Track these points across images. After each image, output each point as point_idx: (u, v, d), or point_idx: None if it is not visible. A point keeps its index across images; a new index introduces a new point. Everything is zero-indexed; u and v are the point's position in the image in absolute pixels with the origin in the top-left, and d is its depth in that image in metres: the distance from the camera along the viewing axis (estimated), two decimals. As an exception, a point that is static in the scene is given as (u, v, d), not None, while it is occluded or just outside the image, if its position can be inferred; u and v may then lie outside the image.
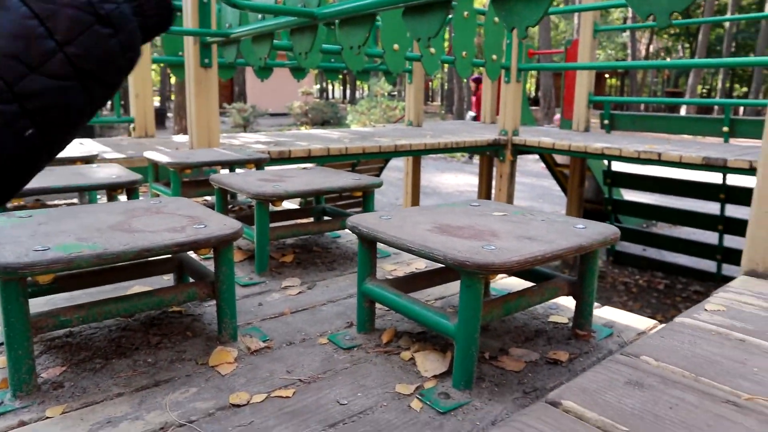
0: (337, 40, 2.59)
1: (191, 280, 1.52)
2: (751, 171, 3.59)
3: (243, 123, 16.98)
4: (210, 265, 1.39)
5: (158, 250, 1.15)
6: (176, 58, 4.90)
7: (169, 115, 22.99)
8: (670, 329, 1.18)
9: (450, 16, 2.68)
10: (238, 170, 2.84)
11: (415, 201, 6.44)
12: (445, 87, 33.33)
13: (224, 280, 1.32)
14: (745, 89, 29.76)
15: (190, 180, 2.68)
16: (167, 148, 3.35)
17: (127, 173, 2.12)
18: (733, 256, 5.75)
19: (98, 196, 2.57)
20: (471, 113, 14.04)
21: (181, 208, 1.47)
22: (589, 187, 7.12)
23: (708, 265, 6.21)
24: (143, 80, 4.83)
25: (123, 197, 2.09)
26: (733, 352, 1.07)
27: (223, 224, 1.30)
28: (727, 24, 24.78)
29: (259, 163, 2.66)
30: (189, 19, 3.49)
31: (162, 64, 7.60)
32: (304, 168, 2.38)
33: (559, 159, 7.23)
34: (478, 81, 12.72)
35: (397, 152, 4.13)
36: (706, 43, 24.79)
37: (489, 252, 1.10)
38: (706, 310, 1.29)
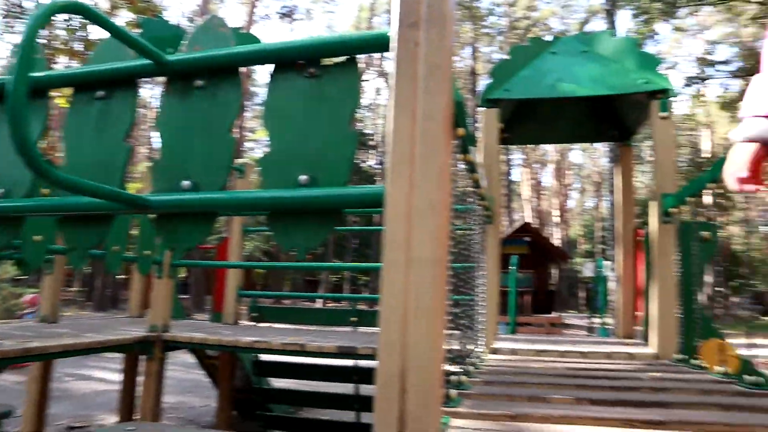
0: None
1: None
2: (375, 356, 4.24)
3: None
4: None
5: None
6: None
7: None
8: None
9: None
10: None
11: (40, 412, 5.38)
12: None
13: None
14: (367, 278, 35.31)
15: None
16: None
17: None
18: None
19: None
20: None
21: None
22: (239, 377, 7.18)
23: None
24: None
25: None
26: None
27: None
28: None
29: None
30: None
31: None
32: None
33: (210, 351, 7.19)
34: None
35: (36, 355, 3.53)
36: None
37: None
38: None
